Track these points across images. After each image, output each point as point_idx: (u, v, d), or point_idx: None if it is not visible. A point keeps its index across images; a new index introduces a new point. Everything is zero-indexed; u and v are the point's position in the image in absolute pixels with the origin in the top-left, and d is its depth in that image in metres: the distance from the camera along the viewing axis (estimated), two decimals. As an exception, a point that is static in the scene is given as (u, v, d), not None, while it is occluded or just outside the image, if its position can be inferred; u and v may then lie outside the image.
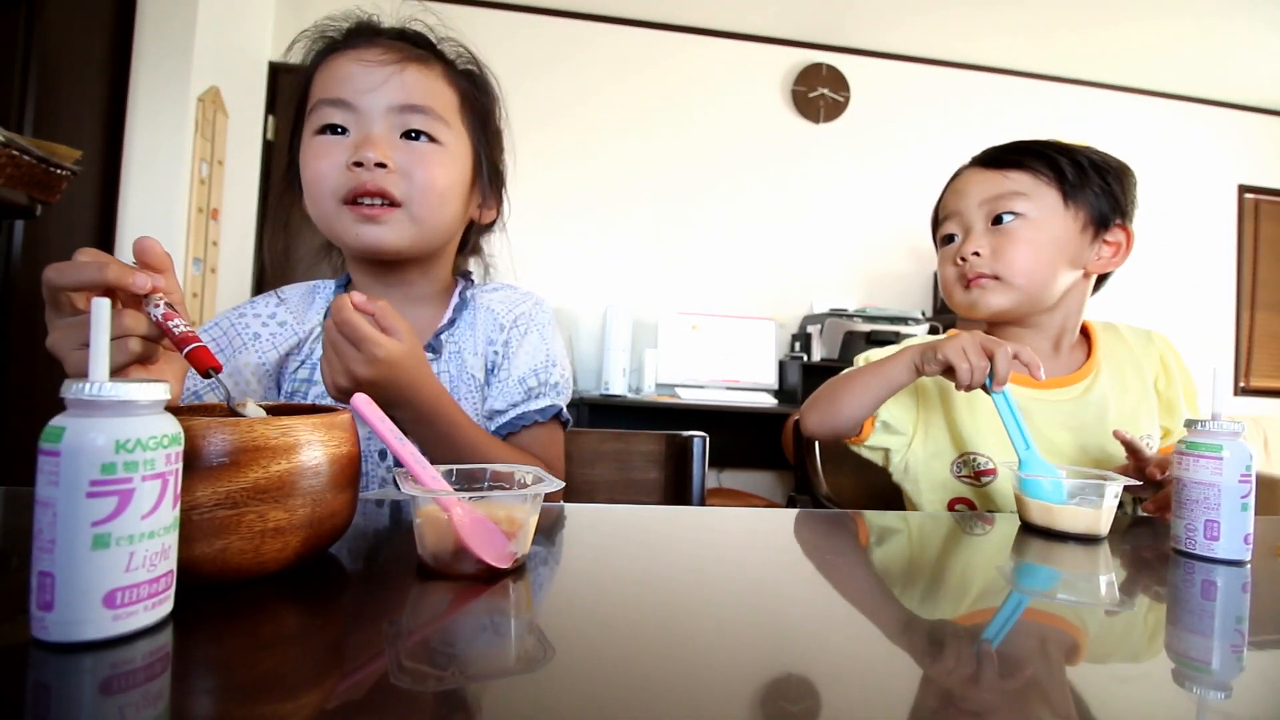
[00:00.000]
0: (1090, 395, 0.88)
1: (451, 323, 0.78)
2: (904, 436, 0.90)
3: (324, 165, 0.68)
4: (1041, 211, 0.85)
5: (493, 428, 0.76)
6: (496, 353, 0.78)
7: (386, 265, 0.75)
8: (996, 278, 0.86)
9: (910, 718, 0.29)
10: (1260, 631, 0.41)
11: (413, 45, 0.73)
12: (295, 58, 0.75)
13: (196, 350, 0.44)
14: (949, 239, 0.92)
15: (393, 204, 0.69)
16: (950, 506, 0.89)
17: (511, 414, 0.76)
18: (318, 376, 0.73)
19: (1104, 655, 0.37)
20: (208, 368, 0.44)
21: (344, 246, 0.74)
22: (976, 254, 0.86)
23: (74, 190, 1.43)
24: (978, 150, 0.95)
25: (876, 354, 0.91)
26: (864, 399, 0.84)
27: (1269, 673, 0.36)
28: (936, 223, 0.97)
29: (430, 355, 0.75)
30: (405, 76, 0.70)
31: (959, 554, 0.59)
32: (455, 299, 0.81)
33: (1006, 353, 0.71)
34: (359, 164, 0.67)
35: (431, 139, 0.71)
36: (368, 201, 0.68)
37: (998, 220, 0.86)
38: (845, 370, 0.89)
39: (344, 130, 0.69)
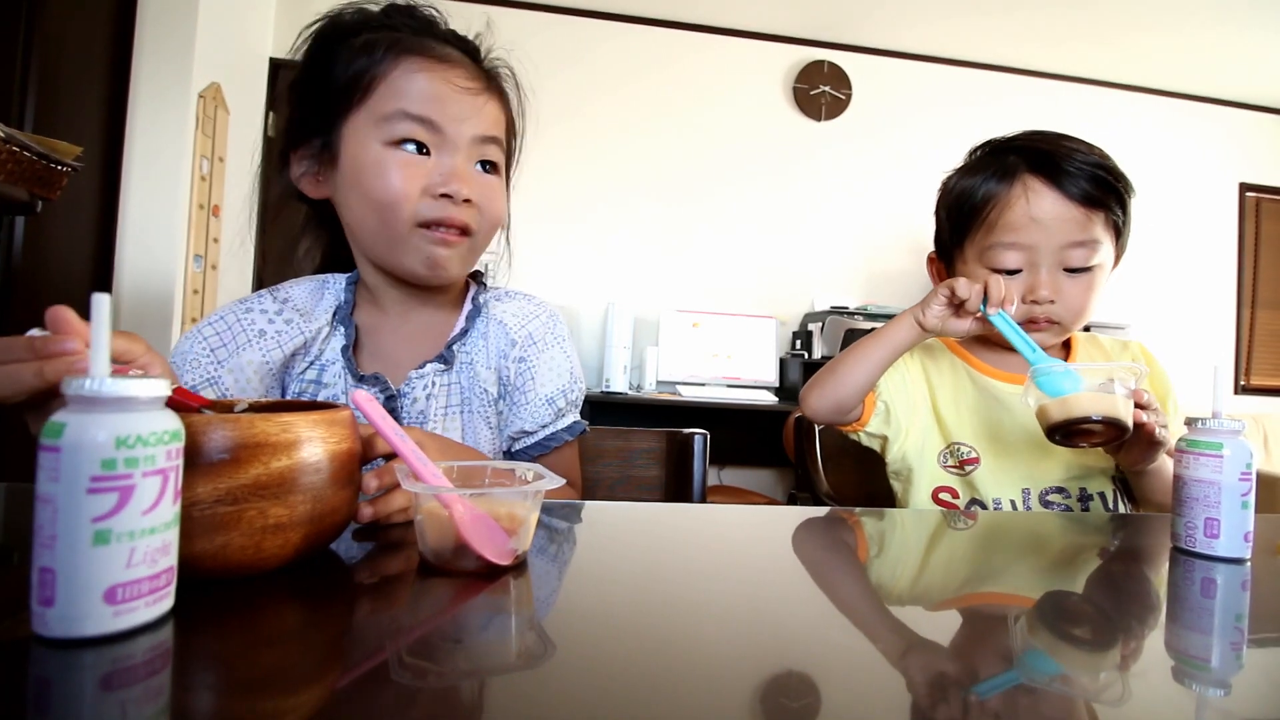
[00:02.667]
0: None
1: (464, 332, 0.77)
2: (901, 426, 0.90)
3: (407, 186, 0.67)
4: (1105, 259, 0.84)
5: (519, 447, 0.78)
6: (510, 369, 0.77)
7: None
8: (1055, 322, 0.84)
9: (909, 714, 0.29)
10: (1260, 629, 0.41)
11: (472, 58, 0.73)
12: (303, 39, 0.72)
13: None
14: (1010, 272, 0.85)
15: (465, 232, 0.70)
16: (934, 495, 0.90)
17: (541, 435, 0.77)
18: (327, 379, 0.73)
19: (1104, 652, 0.37)
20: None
21: (399, 266, 0.71)
22: (1051, 301, 0.83)
23: (75, 186, 1.43)
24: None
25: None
26: (867, 365, 0.83)
27: (1268, 670, 0.36)
28: (965, 221, 0.88)
29: (441, 366, 0.74)
30: (489, 107, 0.72)
31: (958, 551, 0.59)
32: (468, 305, 0.79)
33: (997, 280, 0.76)
34: (447, 195, 0.67)
35: (495, 169, 0.73)
36: (444, 230, 0.69)
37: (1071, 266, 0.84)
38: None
39: (425, 150, 0.68)
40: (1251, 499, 0.54)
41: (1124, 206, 0.84)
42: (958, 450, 0.88)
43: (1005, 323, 0.76)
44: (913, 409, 0.91)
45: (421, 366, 0.73)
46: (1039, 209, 0.82)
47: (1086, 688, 0.32)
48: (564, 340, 0.81)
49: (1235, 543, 0.54)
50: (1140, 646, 0.39)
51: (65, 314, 0.42)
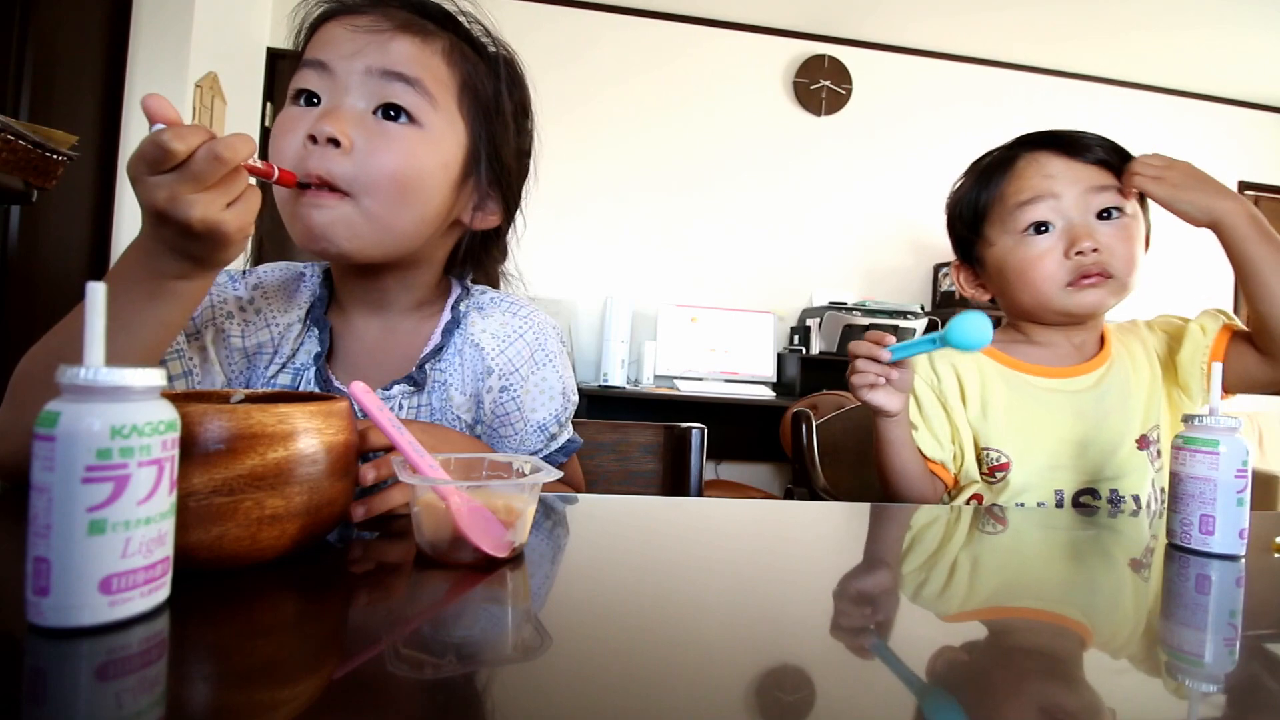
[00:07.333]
0: (1103, 386, 0.86)
1: (439, 350, 0.69)
2: (964, 451, 0.88)
3: (286, 142, 0.59)
4: (1136, 214, 0.84)
5: None
6: (488, 398, 0.70)
7: (360, 269, 0.66)
8: (1109, 276, 0.82)
9: (905, 709, 0.29)
10: (1253, 626, 0.42)
11: (419, 15, 0.64)
12: (292, 37, 0.68)
13: (281, 175, 0.54)
14: (1041, 227, 0.83)
15: (336, 191, 0.58)
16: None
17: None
18: (303, 385, 0.67)
19: (1098, 647, 0.37)
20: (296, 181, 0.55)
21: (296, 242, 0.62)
22: (1095, 250, 0.81)
23: (71, 175, 1.42)
24: (979, 144, 0.94)
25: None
26: (901, 463, 0.83)
27: (1261, 667, 0.36)
28: (979, 208, 0.89)
29: (410, 388, 0.67)
30: (395, 43, 0.60)
31: (954, 545, 0.59)
32: (446, 314, 0.71)
33: (856, 346, 0.77)
34: (311, 136, 0.57)
35: (411, 119, 0.60)
36: (313, 190, 0.58)
37: (1104, 215, 0.83)
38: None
39: (317, 100, 0.60)
40: (1247, 496, 0.55)
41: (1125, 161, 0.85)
42: (987, 456, 0.85)
43: (906, 347, 0.74)
44: (963, 426, 0.87)
45: (389, 387, 0.67)
46: (1049, 168, 0.84)
47: (1082, 683, 0.32)
48: (554, 357, 0.74)
49: (1230, 539, 0.54)
50: (1135, 642, 0.39)
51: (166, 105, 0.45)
